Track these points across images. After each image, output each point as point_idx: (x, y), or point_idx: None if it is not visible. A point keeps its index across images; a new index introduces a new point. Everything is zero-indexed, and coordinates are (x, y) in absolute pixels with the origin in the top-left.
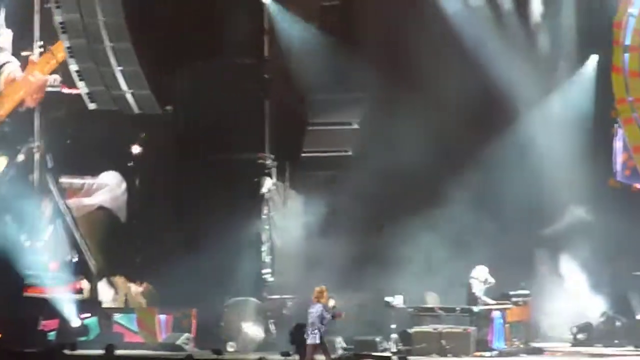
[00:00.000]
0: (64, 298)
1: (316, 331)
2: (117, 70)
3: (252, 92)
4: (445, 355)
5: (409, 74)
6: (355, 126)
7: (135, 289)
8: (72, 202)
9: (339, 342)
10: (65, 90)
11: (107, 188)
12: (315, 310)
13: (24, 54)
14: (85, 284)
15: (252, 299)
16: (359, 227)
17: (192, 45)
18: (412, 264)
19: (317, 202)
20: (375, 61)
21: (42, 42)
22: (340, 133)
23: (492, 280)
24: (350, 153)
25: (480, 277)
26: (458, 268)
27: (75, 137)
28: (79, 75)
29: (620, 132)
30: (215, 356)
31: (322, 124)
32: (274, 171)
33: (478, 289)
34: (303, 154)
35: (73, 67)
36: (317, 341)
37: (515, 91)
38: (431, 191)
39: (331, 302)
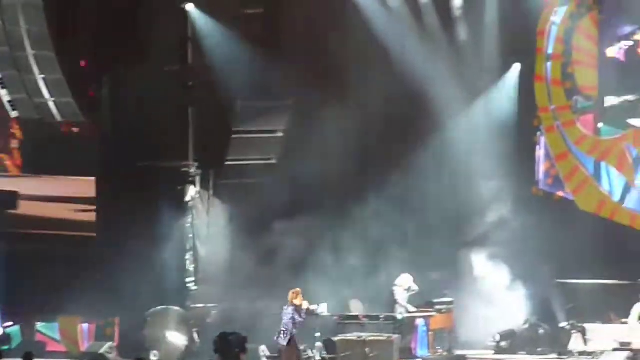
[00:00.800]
0: None
1: (287, 333)
2: (40, 78)
3: (176, 99)
4: None
5: (333, 81)
6: (280, 134)
7: None
8: None
9: (263, 350)
10: None
11: None
12: (288, 312)
13: None
14: None
15: (175, 307)
16: (282, 236)
17: (116, 52)
18: (337, 272)
19: (241, 211)
20: (299, 68)
21: None
22: (264, 141)
23: (415, 287)
24: (274, 161)
25: (404, 284)
26: (381, 275)
27: None
28: (1, 83)
29: (542, 141)
30: None
31: (246, 132)
32: (197, 179)
33: (401, 297)
34: (227, 162)
35: None
36: (284, 343)
37: (439, 99)
38: (355, 198)
39: (305, 305)
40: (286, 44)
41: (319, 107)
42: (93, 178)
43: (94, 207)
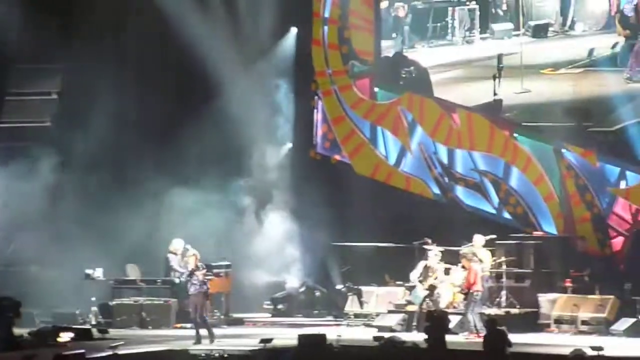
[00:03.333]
0: None
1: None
2: None
3: None
4: (145, 327)
5: (111, 46)
6: (54, 96)
7: None
8: None
9: (37, 314)
10: None
11: None
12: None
13: None
14: None
15: None
16: (56, 199)
17: None
18: (113, 236)
19: (14, 173)
20: (76, 32)
21: None
22: (38, 103)
23: (193, 251)
24: (48, 124)
25: (177, 249)
26: (158, 240)
27: None
28: None
29: (320, 105)
30: None
31: (20, 94)
32: None
33: (175, 262)
34: (0, 125)
35: None
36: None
37: (217, 66)
38: (132, 162)
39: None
40: (62, 6)
41: (96, 71)
42: None
43: None
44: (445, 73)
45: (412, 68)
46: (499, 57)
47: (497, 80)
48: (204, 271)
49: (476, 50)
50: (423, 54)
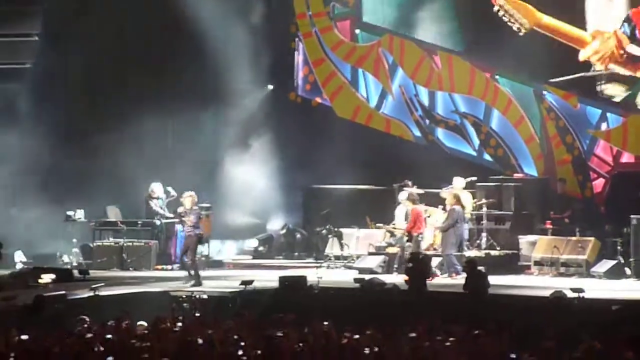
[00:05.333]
0: None
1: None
2: None
3: None
4: (126, 269)
5: None
6: (35, 38)
7: None
8: None
9: (19, 255)
10: None
11: None
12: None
13: None
14: None
15: None
16: (36, 141)
17: None
18: (95, 177)
19: None
20: None
21: None
22: (18, 44)
23: (173, 193)
24: (28, 65)
25: (157, 192)
26: (139, 182)
27: None
28: None
29: (301, 47)
30: None
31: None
32: None
33: (156, 205)
34: None
35: None
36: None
37: (197, 12)
38: (111, 103)
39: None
40: None
41: (76, 13)
42: None
43: None
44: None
45: None
46: None
47: None
48: (198, 213)
49: None
50: None
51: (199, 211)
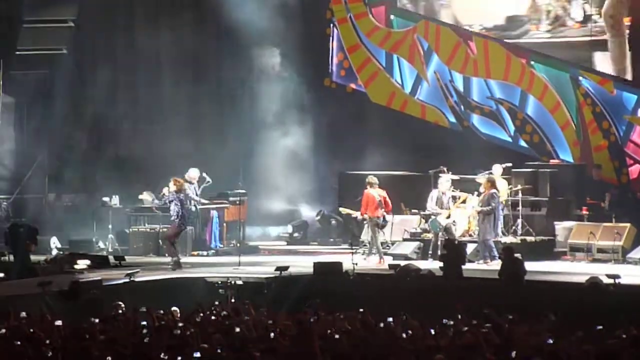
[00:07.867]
0: None
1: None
2: None
3: None
4: (162, 255)
5: None
6: (71, 24)
7: None
8: None
9: (54, 242)
10: None
11: None
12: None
13: None
14: None
15: None
16: (73, 129)
17: None
18: (130, 163)
19: (31, 101)
20: None
21: None
22: (55, 31)
23: (209, 179)
24: (64, 51)
25: (193, 178)
26: (177, 168)
27: None
28: None
29: (335, 33)
30: None
31: (36, 21)
32: None
33: (192, 191)
34: (17, 52)
35: None
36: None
37: None
38: (155, 91)
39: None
40: None
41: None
42: None
43: None
44: None
45: None
46: None
47: None
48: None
49: None
50: None
51: (178, 196)
